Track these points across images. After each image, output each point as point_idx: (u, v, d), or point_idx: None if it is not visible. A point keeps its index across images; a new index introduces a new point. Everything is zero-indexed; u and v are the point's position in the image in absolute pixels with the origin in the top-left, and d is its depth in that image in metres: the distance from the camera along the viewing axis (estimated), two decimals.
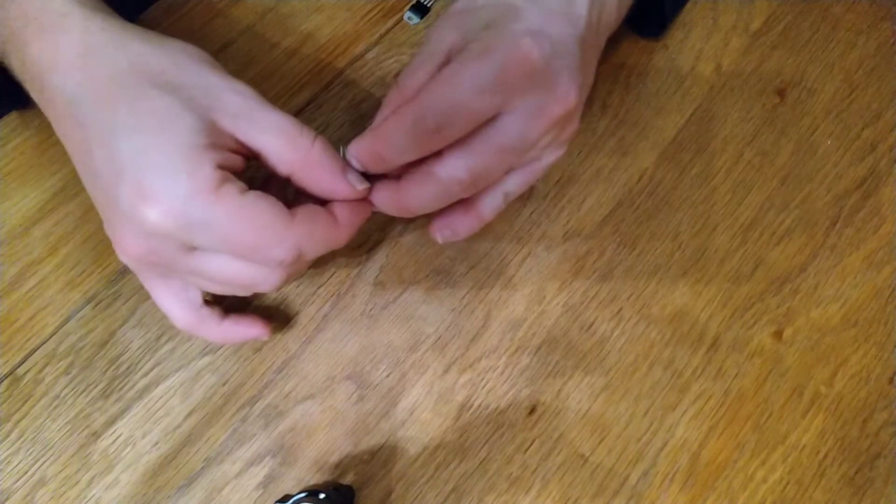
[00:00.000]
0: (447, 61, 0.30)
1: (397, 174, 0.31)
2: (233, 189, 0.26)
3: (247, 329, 0.34)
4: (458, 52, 0.30)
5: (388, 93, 0.31)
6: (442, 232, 0.33)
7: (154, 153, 0.26)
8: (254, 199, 0.27)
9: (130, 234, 0.27)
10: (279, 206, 0.28)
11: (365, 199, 0.31)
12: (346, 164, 0.30)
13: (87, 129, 0.27)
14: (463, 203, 0.32)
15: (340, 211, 0.30)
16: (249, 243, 0.27)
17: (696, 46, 0.44)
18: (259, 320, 0.34)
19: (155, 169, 0.26)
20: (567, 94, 0.29)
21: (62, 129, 0.30)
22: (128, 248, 0.28)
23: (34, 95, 0.31)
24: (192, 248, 0.28)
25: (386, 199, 0.31)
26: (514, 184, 0.32)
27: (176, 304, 0.32)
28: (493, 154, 0.29)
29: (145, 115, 0.26)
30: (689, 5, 0.44)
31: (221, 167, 0.27)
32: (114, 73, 0.27)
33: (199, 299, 0.32)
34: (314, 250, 0.29)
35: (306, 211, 0.29)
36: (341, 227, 0.30)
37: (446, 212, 0.32)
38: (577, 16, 0.31)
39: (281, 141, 0.28)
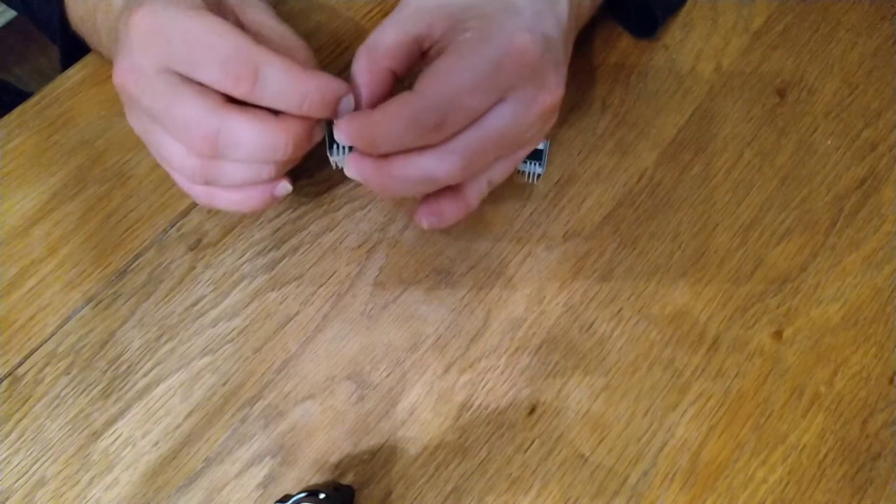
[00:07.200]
0: (428, 36, 0.30)
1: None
2: (210, 13, 0.28)
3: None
4: (445, 36, 0.30)
5: (357, 51, 0.31)
6: (428, 218, 0.32)
7: None
8: (225, 22, 0.28)
9: (121, 55, 0.29)
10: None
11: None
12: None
13: None
14: (450, 189, 0.32)
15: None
16: (215, 51, 0.28)
17: (696, 46, 0.44)
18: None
19: None
20: (556, 87, 0.30)
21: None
22: (117, 71, 0.30)
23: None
24: (164, 70, 0.28)
25: (371, 175, 0.30)
26: (499, 171, 0.32)
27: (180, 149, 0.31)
28: (485, 145, 0.30)
29: None
30: (688, 5, 0.44)
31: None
32: None
33: None
34: (269, 95, 0.29)
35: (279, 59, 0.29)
36: (292, 119, 0.30)
37: (432, 198, 0.32)
38: (561, 10, 0.31)
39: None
